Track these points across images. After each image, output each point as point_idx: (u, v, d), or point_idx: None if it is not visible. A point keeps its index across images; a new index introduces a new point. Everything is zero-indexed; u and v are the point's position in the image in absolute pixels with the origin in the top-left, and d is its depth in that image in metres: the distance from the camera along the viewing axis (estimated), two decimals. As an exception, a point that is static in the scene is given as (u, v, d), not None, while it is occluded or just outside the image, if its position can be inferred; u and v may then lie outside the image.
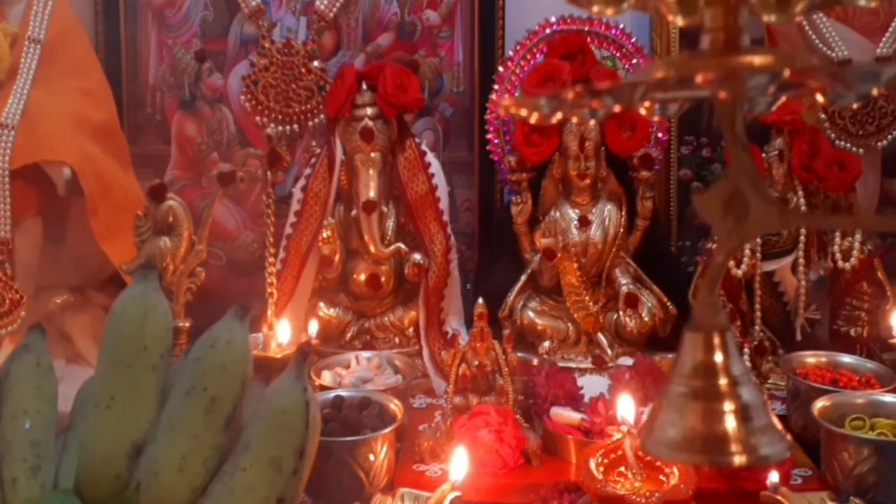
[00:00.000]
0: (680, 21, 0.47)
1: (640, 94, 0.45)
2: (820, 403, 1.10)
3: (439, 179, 1.47)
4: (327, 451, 0.98)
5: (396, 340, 1.47)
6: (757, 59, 0.43)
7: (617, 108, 0.45)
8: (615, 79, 1.43)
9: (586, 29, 1.48)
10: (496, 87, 1.52)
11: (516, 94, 1.51)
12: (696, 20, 0.47)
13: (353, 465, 1.02)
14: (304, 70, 1.52)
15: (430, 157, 1.47)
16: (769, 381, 1.35)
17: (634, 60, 1.49)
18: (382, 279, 1.46)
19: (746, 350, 1.33)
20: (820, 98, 0.44)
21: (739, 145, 0.47)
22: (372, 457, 1.03)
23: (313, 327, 1.38)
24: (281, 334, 1.29)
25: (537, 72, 1.44)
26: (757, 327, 1.35)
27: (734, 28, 0.45)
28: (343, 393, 1.15)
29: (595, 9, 0.47)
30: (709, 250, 1.42)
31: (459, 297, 1.49)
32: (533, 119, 0.47)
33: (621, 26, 1.47)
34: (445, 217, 1.46)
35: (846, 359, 1.29)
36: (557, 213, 1.46)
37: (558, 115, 0.46)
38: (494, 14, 1.63)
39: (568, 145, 1.41)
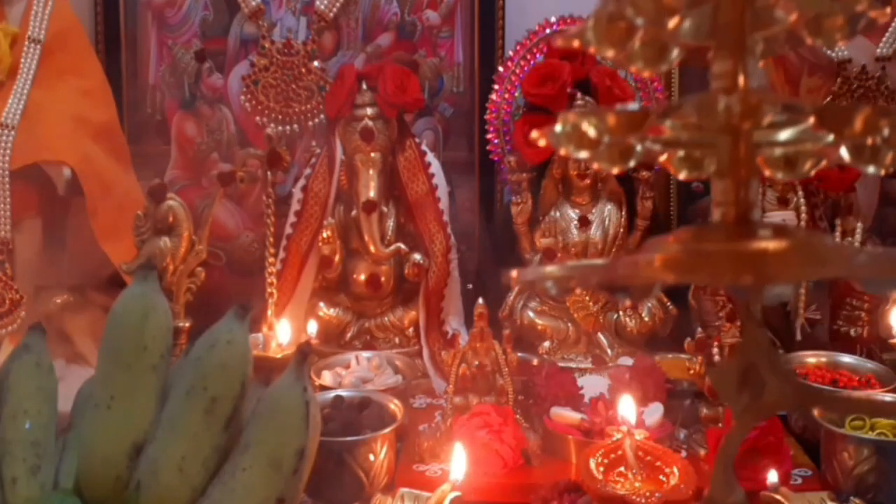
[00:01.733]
0: (683, 175, 0.47)
1: (657, 290, 0.45)
2: (820, 403, 1.10)
3: (439, 179, 1.47)
4: (327, 451, 0.98)
5: (396, 340, 1.47)
6: (771, 245, 0.42)
7: (628, 303, 0.46)
8: (615, 79, 1.43)
9: (586, 29, 1.48)
10: (496, 87, 1.52)
11: (516, 94, 1.51)
12: (702, 175, 0.46)
13: (353, 465, 1.02)
14: (304, 70, 1.52)
15: (430, 157, 1.47)
16: (769, 381, 1.35)
17: None
18: (382, 279, 1.46)
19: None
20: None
21: (753, 322, 0.46)
22: (372, 457, 1.03)
23: (313, 327, 1.38)
24: (281, 334, 1.29)
25: (537, 72, 1.44)
26: (757, 327, 1.35)
27: (745, 203, 0.45)
28: (343, 393, 1.15)
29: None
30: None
31: (459, 297, 1.49)
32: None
33: (621, 26, 1.47)
34: (445, 217, 1.46)
35: (846, 359, 1.29)
36: (557, 213, 1.46)
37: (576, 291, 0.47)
38: (494, 14, 1.63)
39: (568, 145, 1.41)
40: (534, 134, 0.46)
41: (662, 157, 0.46)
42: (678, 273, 0.43)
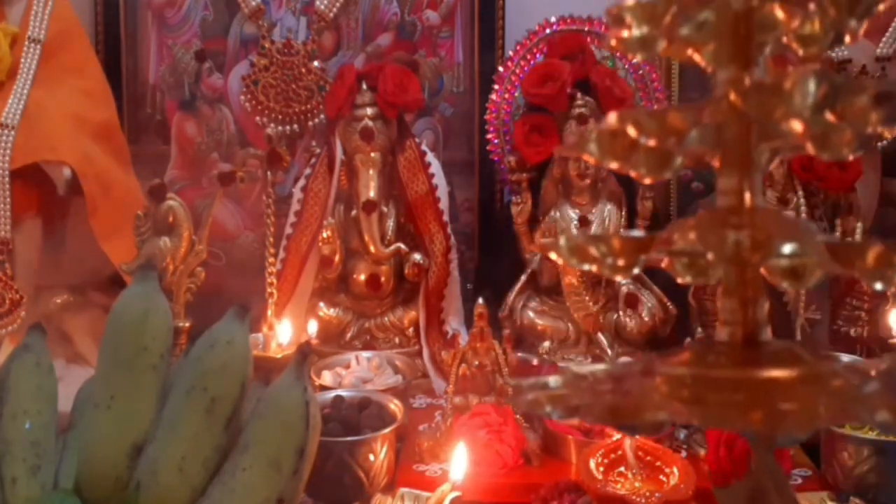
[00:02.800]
0: (688, 280, 0.46)
1: (667, 428, 0.44)
2: (820, 403, 1.10)
3: (439, 179, 1.47)
4: (327, 451, 0.98)
5: (396, 340, 1.47)
6: (782, 374, 0.42)
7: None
8: (615, 80, 1.43)
9: (586, 29, 1.48)
10: (496, 87, 1.52)
11: (516, 94, 1.51)
12: (707, 281, 0.46)
13: (353, 465, 1.02)
14: (304, 70, 1.52)
15: (430, 157, 1.47)
16: (769, 381, 1.34)
17: (634, 59, 1.49)
18: (382, 279, 1.46)
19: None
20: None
21: (763, 447, 0.47)
22: (372, 457, 1.03)
23: (313, 327, 1.38)
24: (281, 334, 1.29)
25: (537, 72, 1.44)
26: (757, 327, 1.34)
27: (752, 323, 0.44)
28: (343, 393, 1.15)
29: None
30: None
31: (459, 297, 1.49)
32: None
33: (621, 26, 1.47)
34: (445, 217, 1.46)
35: (846, 359, 1.28)
36: (557, 213, 1.45)
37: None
38: (494, 14, 1.63)
39: (568, 145, 1.41)
40: (539, 240, 0.47)
41: (664, 262, 0.46)
42: (685, 406, 0.42)
